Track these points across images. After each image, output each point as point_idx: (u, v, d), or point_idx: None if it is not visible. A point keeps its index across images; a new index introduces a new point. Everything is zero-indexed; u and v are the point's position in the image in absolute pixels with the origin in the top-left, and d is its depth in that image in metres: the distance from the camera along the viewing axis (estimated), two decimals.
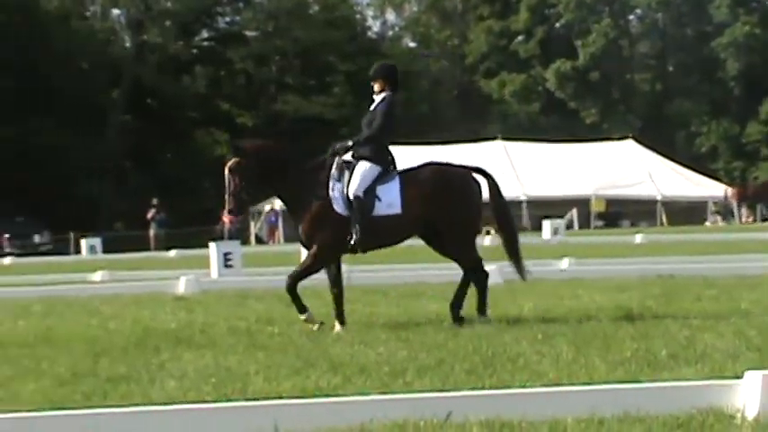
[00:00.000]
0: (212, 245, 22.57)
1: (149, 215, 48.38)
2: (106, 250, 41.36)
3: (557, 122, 72.71)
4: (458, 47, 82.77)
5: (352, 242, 11.74)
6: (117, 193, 64.74)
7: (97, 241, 42.10)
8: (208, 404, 6.83)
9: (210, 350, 9.92)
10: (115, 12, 71.90)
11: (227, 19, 74.82)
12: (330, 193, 11.82)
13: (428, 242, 12.33)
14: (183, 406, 6.71)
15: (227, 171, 11.97)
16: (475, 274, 11.94)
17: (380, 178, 11.92)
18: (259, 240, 51.52)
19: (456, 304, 11.83)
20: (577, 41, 76.43)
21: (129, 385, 8.14)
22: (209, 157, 69.42)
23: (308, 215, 11.83)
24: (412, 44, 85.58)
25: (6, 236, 54.28)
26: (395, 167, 12.05)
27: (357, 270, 15.68)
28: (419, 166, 12.23)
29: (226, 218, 12.91)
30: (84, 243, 42.49)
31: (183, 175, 65.22)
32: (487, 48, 79.04)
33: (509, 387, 7.40)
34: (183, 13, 70.19)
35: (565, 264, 20.23)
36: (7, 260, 38.18)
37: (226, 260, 21.85)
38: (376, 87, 12.17)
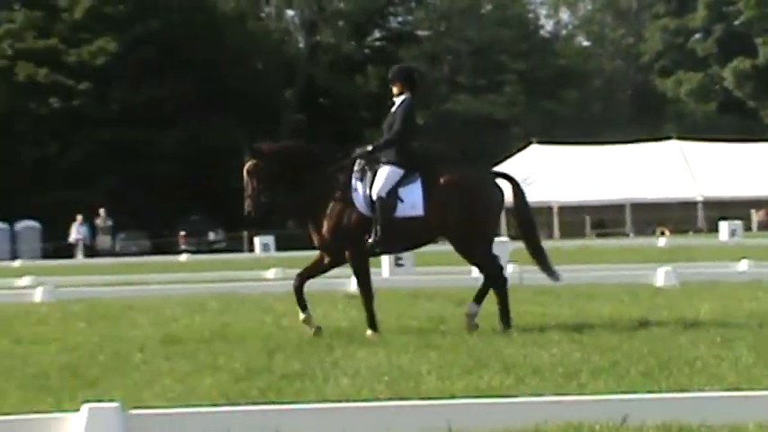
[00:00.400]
0: None
1: None
2: (279, 248, 41.93)
3: (734, 122, 70.86)
4: (632, 45, 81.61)
5: (371, 242, 11.68)
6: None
7: (270, 239, 42.69)
8: (382, 402, 6.84)
9: (383, 349, 9.93)
10: (289, 12, 72.99)
11: (400, 19, 75.21)
12: (352, 194, 11.79)
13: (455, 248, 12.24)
14: (357, 404, 6.74)
15: (245, 173, 11.93)
16: (494, 281, 11.78)
17: (403, 180, 11.86)
18: None
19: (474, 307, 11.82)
20: (758, 39, 74.36)
21: (303, 382, 8.21)
22: None
23: (328, 217, 11.78)
24: (585, 43, 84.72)
25: (182, 233, 55.68)
26: (419, 169, 11.94)
27: (528, 271, 15.52)
28: (441, 170, 12.11)
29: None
30: (257, 241, 43.19)
31: None
32: (663, 46, 77.72)
33: (687, 390, 7.21)
34: (355, 14, 70.84)
35: (744, 266, 19.70)
36: (183, 257, 39.05)
37: (397, 259, 21.90)
38: (395, 90, 12.16)
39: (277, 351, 9.91)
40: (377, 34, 74.92)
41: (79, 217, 43.36)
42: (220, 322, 12.75)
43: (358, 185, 11.82)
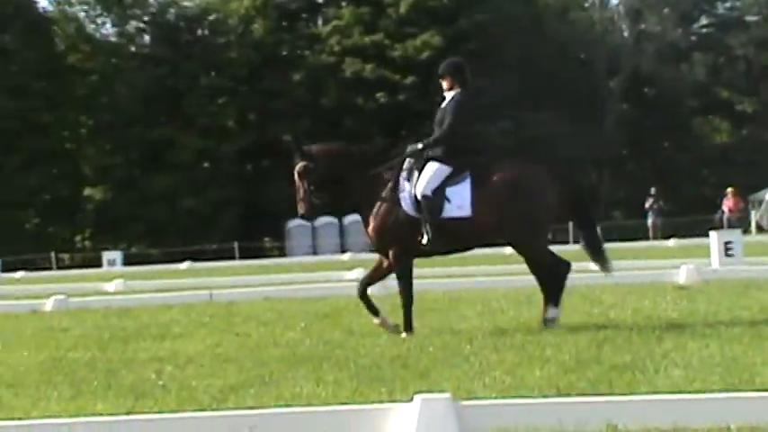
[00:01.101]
0: (712, 234, 22.12)
1: (647, 204, 48.04)
2: (606, 239, 41.55)
3: None
4: None
5: (424, 242, 11.49)
6: (614, 182, 64.97)
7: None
8: (716, 394, 6.63)
9: (715, 340, 9.63)
10: (613, 2, 72.10)
11: (728, 5, 72.76)
12: (400, 194, 11.64)
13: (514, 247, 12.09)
14: (691, 395, 6.58)
15: (296, 175, 11.90)
16: (552, 270, 11.69)
17: (451, 179, 11.59)
18: (760, 229, 49.80)
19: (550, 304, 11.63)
20: None
21: (633, 374, 8.06)
22: (708, 145, 68.03)
23: (374, 217, 11.69)
24: None
25: None
26: (469, 167, 11.63)
27: None
28: (494, 168, 11.72)
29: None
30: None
31: (681, 163, 64.35)
32: None
33: None
34: (681, 1, 69.17)
35: None
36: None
37: (726, 249, 21.31)
38: (445, 85, 11.85)
39: (605, 342, 9.78)
40: (703, 21, 72.77)
41: None
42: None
43: (405, 185, 11.66)
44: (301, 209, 11.96)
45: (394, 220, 11.63)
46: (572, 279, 17.47)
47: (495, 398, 6.97)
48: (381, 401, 6.97)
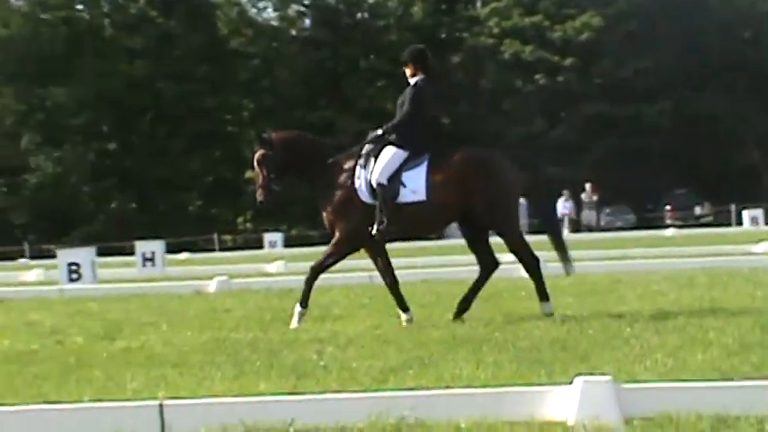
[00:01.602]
0: None
1: None
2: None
3: None
4: None
5: (374, 231, 11.39)
6: None
7: (759, 213, 41.37)
8: None
9: None
10: None
11: None
12: (355, 180, 11.55)
13: (469, 237, 11.81)
14: None
15: (255, 163, 11.87)
16: (523, 260, 11.53)
17: (408, 163, 11.51)
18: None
19: (468, 297, 11.60)
20: None
21: None
22: None
23: (331, 204, 11.63)
24: None
25: (668, 207, 55.15)
26: (428, 151, 11.53)
27: None
28: (450, 150, 11.61)
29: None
30: (745, 214, 41.99)
31: None
32: None
33: None
34: None
35: None
36: (669, 231, 38.71)
37: None
38: (408, 72, 11.82)
39: None
40: None
41: (565, 192, 43.97)
42: (709, 297, 12.51)
43: (361, 172, 11.60)
44: (260, 196, 11.97)
45: (348, 207, 11.61)
46: (737, 261, 17.13)
47: (657, 381, 6.89)
48: (541, 383, 6.96)
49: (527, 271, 11.65)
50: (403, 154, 11.54)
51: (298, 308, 11.64)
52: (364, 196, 11.54)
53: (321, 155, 11.83)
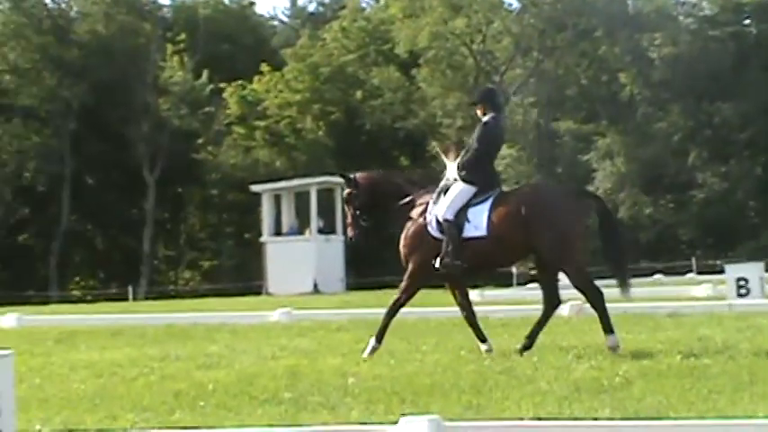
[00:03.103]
0: None
1: None
2: None
3: None
4: None
5: (437, 265, 11.74)
6: None
7: None
8: None
9: None
10: None
11: None
12: (427, 216, 11.98)
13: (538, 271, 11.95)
14: None
15: (345, 202, 12.70)
16: (588, 294, 11.49)
17: (475, 199, 11.82)
18: None
19: (534, 331, 11.79)
20: None
21: None
22: None
23: (405, 237, 12.14)
24: None
25: None
26: (495, 189, 11.88)
27: None
28: (516, 188, 12.14)
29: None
30: None
31: None
32: None
33: None
34: None
35: None
36: None
37: None
38: (478, 112, 12.20)
39: None
40: None
41: None
42: None
43: (433, 208, 12.03)
44: (350, 232, 12.86)
45: (419, 240, 12.07)
46: None
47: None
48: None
49: (593, 307, 11.58)
50: (471, 190, 11.93)
51: (372, 342, 12.10)
52: (434, 231, 11.99)
53: (400, 194, 12.51)
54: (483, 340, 12.25)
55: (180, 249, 65.82)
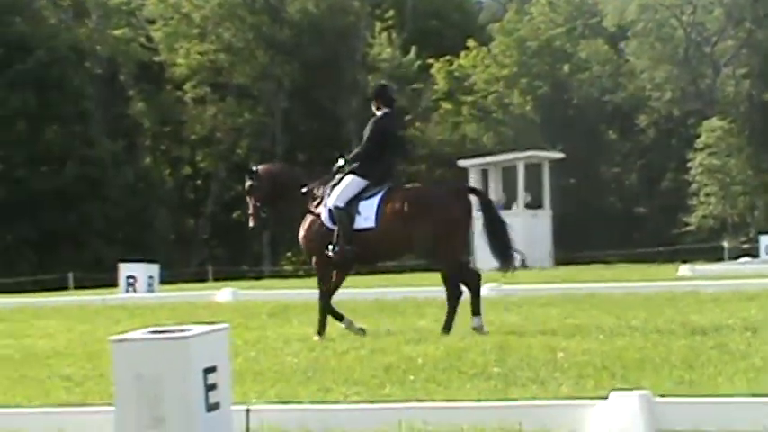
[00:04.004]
0: None
1: None
2: None
3: None
4: None
5: (329, 253, 12.38)
6: None
7: None
8: None
9: None
10: None
11: None
12: (322, 208, 12.52)
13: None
14: None
15: (246, 193, 13.22)
16: (463, 277, 12.31)
17: (366, 192, 12.33)
18: None
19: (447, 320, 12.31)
20: None
21: None
22: None
23: (302, 229, 12.74)
24: None
25: None
26: (388, 182, 12.39)
27: None
28: (405, 183, 12.74)
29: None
30: None
31: None
32: None
33: None
34: None
35: None
36: None
37: None
38: (373, 107, 12.85)
39: None
40: None
41: None
42: None
43: (326, 200, 12.54)
44: (251, 222, 13.36)
45: (315, 232, 12.64)
46: None
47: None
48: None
49: (448, 299, 12.38)
50: (361, 182, 12.46)
51: (317, 338, 12.41)
52: (326, 221, 12.53)
53: (298, 185, 13.01)
54: (340, 319, 12.94)
55: None
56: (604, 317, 12.97)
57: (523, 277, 25.91)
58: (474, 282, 12.53)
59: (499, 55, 61.51)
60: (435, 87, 62.03)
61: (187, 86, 60.42)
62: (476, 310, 12.40)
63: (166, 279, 27.87)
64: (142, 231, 54.73)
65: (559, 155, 45.62)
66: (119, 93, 60.52)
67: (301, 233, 12.93)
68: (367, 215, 12.37)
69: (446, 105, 62.29)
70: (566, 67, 61.22)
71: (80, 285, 37.69)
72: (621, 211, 58.63)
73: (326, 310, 12.80)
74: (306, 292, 21.96)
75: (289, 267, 60.32)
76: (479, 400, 7.64)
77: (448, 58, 61.66)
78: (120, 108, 60.14)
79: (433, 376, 9.17)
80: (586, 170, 58.15)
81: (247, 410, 7.28)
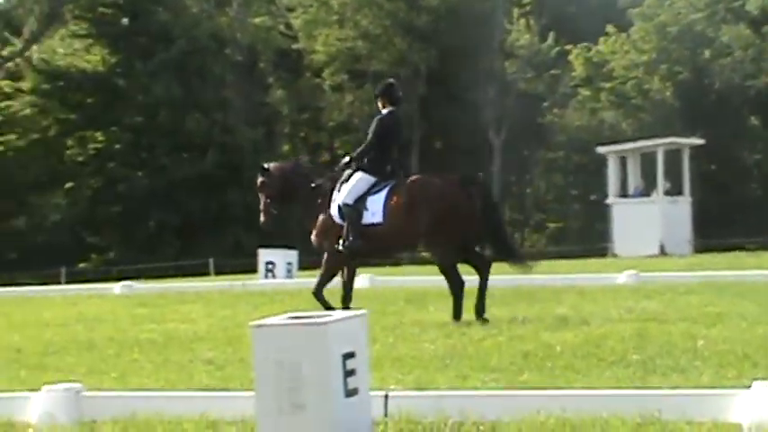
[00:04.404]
0: None
1: None
2: None
3: None
4: None
5: (340, 248, 12.78)
6: None
7: None
8: None
9: None
10: None
11: None
12: (332, 204, 12.92)
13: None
14: None
15: (257, 190, 13.67)
16: (475, 261, 12.76)
17: (374, 188, 12.77)
18: None
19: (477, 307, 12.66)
20: None
21: None
22: None
23: (314, 225, 13.11)
24: None
25: None
26: (395, 178, 12.86)
27: None
28: (411, 178, 12.90)
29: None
30: None
31: None
32: None
33: None
34: None
35: None
36: None
37: None
38: (379, 105, 13.33)
39: None
40: None
41: None
42: None
43: (336, 195, 12.95)
44: (262, 219, 13.88)
45: (325, 227, 13.06)
46: None
47: None
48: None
49: (450, 289, 12.68)
50: (370, 179, 12.86)
51: None
52: (336, 218, 12.95)
53: (308, 182, 13.42)
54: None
55: (526, 212, 66.25)
56: (746, 305, 12.73)
57: (663, 265, 25.60)
58: (483, 268, 12.83)
59: (638, 41, 60.60)
60: (573, 74, 61.44)
61: (325, 73, 60.87)
62: (479, 310, 12.75)
63: (305, 265, 28.12)
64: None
65: (699, 141, 44.88)
66: (258, 80, 61.28)
67: (314, 228, 13.37)
68: (374, 210, 12.80)
69: (584, 92, 61.64)
70: (707, 53, 59.99)
71: (220, 271, 38.30)
72: (763, 198, 57.34)
73: (320, 299, 13.33)
74: (442, 278, 22.03)
75: (426, 254, 60.41)
76: (618, 388, 7.58)
77: (586, 44, 61.01)
78: (260, 96, 60.89)
79: (572, 363, 9.12)
80: (727, 156, 57.01)
81: (386, 396, 7.32)
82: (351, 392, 6.42)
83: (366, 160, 13.10)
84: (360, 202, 12.88)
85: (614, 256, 39.78)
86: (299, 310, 7.01)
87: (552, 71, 60.57)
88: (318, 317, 6.53)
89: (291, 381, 6.29)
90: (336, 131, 62.40)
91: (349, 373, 6.41)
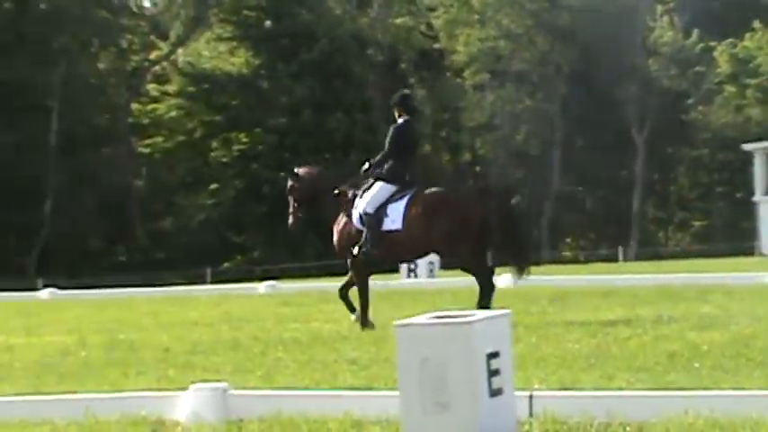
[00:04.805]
0: None
1: None
2: None
3: None
4: None
5: (355, 252, 13.36)
6: None
7: None
8: None
9: None
10: None
11: None
12: (353, 210, 13.47)
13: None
14: None
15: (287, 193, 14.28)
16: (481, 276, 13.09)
17: (394, 196, 13.24)
18: None
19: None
20: None
21: None
22: None
23: (336, 230, 13.70)
24: None
25: None
26: (414, 186, 13.26)
27: None
28: (429, 186, 13.30)
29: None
30: None
31: None
32: None
33: None
34: None
35: None
36: None
37: None
38: (395, 113, 13.68)
39: None
40: None
41: None
42: None
43: (357, 202, 13.36)
44: (290, 221, 14.32)
45: (347, 233, 13.47)
46: None
47: None
48: None
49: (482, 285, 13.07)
50: (390, 188, 13.26)
51: (353, 317, 13.77)
52: (357, 223, 13.31)
53: (331, 187, 13.75)
54: (353, 310, 13.88)
55: (670, 210, 65.21)
56: None
57: None
58: (486, 292, 13.17)
59: None
60: (718, 70, 60.24)
61: (466, 73, 60.79)
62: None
63: (446, 265, 28.14)
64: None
65: None
66: (399, 80, 61.52)
67: (335, 234, 13.86)
68: (394, 218, 13.25)
69: (730, 88, 60.37)
70: None
71: None
72: None
73: (343, 298, 14.01)
74: (585, 278, 21.84)
75: (568, 253, 59.96)
76: None
77: (731, 40, 59.76)
78: None
79: (720, 363, 8.96)
80: None
81: (530, 396, 7.29)
82: (495, 392, 6.41)
83: (385, 169, 13.59)
84: (380, 210, 13.39)
85: (762, 255, 38.94)
86: (444, 310, 7.01)
87: (696, 68, 59.49)
88: (463, 316, 6.53)
89: (436, 380, 6.31)
90: (477, 131, 62.27)
91: (493, 373, 6.40)
